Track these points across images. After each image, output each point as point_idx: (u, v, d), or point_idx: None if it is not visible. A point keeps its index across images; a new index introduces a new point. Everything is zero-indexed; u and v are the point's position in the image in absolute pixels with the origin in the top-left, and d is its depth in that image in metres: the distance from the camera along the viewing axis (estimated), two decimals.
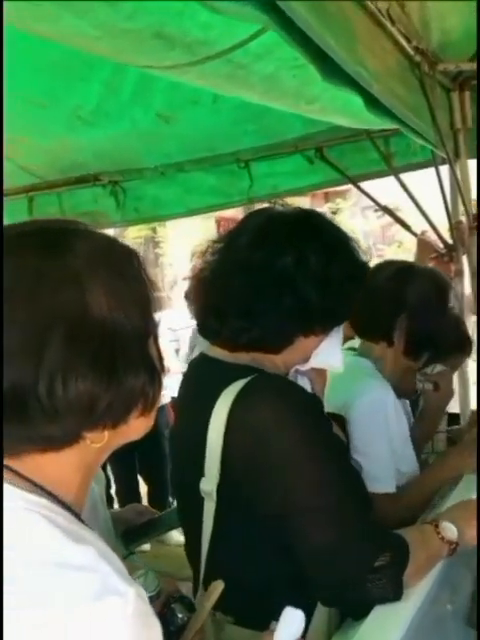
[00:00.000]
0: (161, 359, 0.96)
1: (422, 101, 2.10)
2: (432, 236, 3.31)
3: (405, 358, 2.06)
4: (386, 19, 1.70)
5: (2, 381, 0.80)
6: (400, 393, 2.06)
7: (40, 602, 0.75)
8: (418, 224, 3.47)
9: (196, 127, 3.16)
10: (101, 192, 4.04)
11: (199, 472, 1.39)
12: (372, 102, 1.73)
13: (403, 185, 3.37)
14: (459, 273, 3.02)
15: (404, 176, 3.41)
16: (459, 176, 2.52)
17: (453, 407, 3.16)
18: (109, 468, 5.06)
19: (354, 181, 3.65)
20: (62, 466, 0.88)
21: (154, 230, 12.97)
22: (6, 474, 0.86)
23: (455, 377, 3.05)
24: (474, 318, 3.00)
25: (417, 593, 1.34)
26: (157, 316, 0.96)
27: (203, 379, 1.54)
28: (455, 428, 2.76)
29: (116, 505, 5.11)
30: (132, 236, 10.95)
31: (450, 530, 1.44)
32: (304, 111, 2.20)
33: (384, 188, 3.74)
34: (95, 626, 0.74)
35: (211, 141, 3.49)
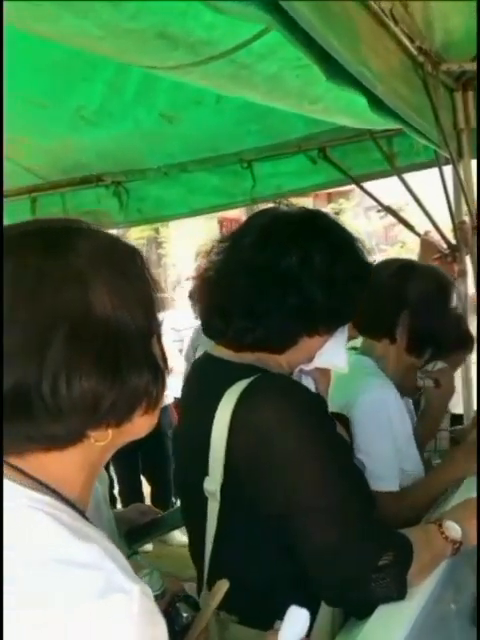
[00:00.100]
0: (164, 358, 0.96)
1: (425, 101, 2.11)
2: (435, 236, 3.31)
3: (408, 355, 2.06)
4: (389, 19, 1.70)
5: (1, 381, 0.80)
6: (403, 391, 2.06)
7: (45, 599, 0.75)
8: (421, 224, 3.47)
9: (199, 127, 3.16)
10: (104, 192, 4.04)
11: (203, 471, 1.39)
12: (375, 102, 1.74)
13: (406, 185, 3.37)
14: (462, 273, 3.02)
15: (407, 176, 3.41)
16: (462, 176, 2.52)
17: (456, 407, 3.17)
18: (112, 468, 5.06)
19: (357, 181, 3.65)
20: (66, 465, 0.88)
21: (157, 231, 12.99)
22: (10, 472, 0.86)
23: (458, 377, 3.05)
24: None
25: (421, 592, 1.34)
26: (160, 315, 0.96)
27: (207, 378, 1.54)
28: (458, 428, 2.76)
29: (119, 505, 5.11)
30: (135, 237, 10.96)
31: (454, 529, 1.43)
32: (307, 111, 2.20)
33: (387, 188, 3.74)
34: (100, 624, 0.74)
35: (214, 141, 3.49)
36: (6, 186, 3.85)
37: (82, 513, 0.89)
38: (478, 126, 2.48)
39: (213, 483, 1.37)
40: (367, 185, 3.74)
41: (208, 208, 4.13)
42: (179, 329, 5.86)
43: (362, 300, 1.53)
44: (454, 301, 2.29)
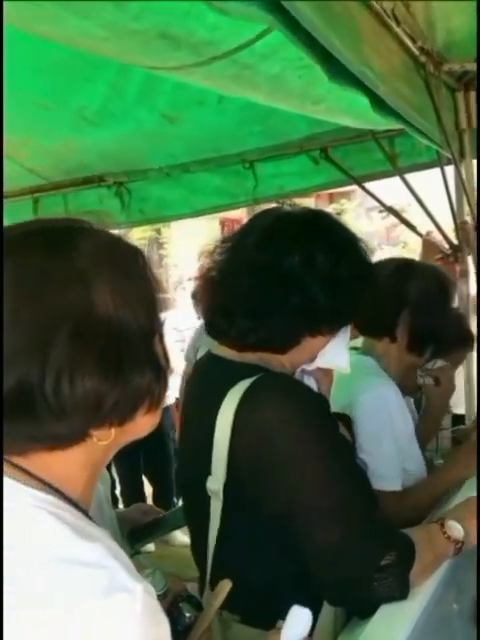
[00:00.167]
0: (167, 357, 0.96)
1: (427, 101, 2.11)
2: (437, 237, 3.32)
3: (409, 354, 2.07)
4: (391, 19, 1.70)
5: (1, 381, 0.80)
6: (405, 390, 2.06)
7: (48, 598, 0.75)
8: (423, 225, 3.47)
9: (201, 128, 3.16)
10: (106, 193, 4.05)
11: (206, 471, 1.39)
12: (377, 102, 1.74)
13: (408, 185, 3.37)
14: (464, 273, 3.02)
15: (409, 176, 3.41)
16: (464, 176, 2.52)
17: (459, 408, 3.17)
18: (114, 469, 5.07)
19: (359, 182, 3.66)
20: (69, 464, 0.89)
21: (158, 231, 13.00)
22: (14, 472, 0.86)
23: (460, 377, 3.05)
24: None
25: (423, 592, 1.34)
26: (162, 315, 0.96)
27: (210, 378, 1.54)
28: (461, 428, 2.76)
29: (121, 505, 5.11)
30: (136, 237, 10.96)
31: (456, 529, 1.43)
32: (309, 111, 2.20)
33: (389, 189, 3.74)
34: (104, 622, 0.74)
35: (216, 142, 3.49)
36: (9, 187, 3.86)
37: (85, 512, 0.89)
38: (478, 126, 2.48)
39: (216, 482, 1.37)
40: (369, 185, 3.74)
41: (210, 208, 4.14)
42: (181, 329, 5.86)
43: (365, 300, 1.53)
44: (454, 299, 2.29)
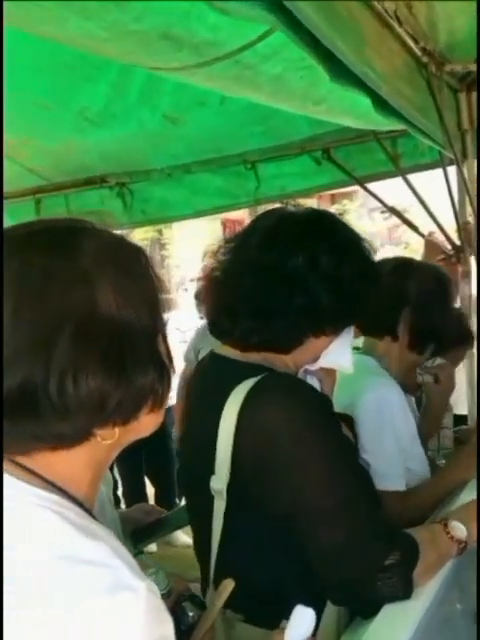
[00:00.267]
0: (170, 356, 0.96)
1: (429, 102, 2.11)
2: (440, 237, 3.31)
3: (410, 353, 2.07)
4: (393, 20, 1.70)
5: (1, 381, 0.81)
6: (406, 389, 2.07)
7: (49, 597, 0.75)
8: (425, 225, 3.47)
9: (203, 128, 3.17)
10: (108, 194, 4.06)
11: (209, 470, 1.39)
12: (380, 103, 1.74)
13: (410, 186, 3.37)
14: (467, 274, 3.02)
15: (411, 177, 3.41)
16: (467, 177, 2.52)
17: (460, 408, 3.17)
18: (116, 469, 5.07)
19: (361, 182, 3.66)
20: (73, 463, 0.89)
21: (160, 232, 13.00)
22: (18, 471, 0.86)
23: (462, 377, 3.05)
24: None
25: (426, 592, 1.34)
26: (165, 315, 0.96)
27: (213, 377, 1.54)
28: (463, 428, 2.76)
29: (123, 506, 5.11)
30: (138, 238, 10.93)
31: (459, 529, 1.43)
32: (311, 112, 2.21)
33: (391, 189, 3.74)
34: (108, 621, 0.74)
35: (218, 142, 3.50)
36: (10, 187, 3.87)
37: (89, 511, 0.89)
38: (478, 127, 2.48)
39: (219, 482, 1.37)
40: (371, 186, 3.74)
41: (212, 209, 4.14)
42: (184, 330, 5.86)
43: (368, 300, 1.53)
44: (454, 297, 2.30)
